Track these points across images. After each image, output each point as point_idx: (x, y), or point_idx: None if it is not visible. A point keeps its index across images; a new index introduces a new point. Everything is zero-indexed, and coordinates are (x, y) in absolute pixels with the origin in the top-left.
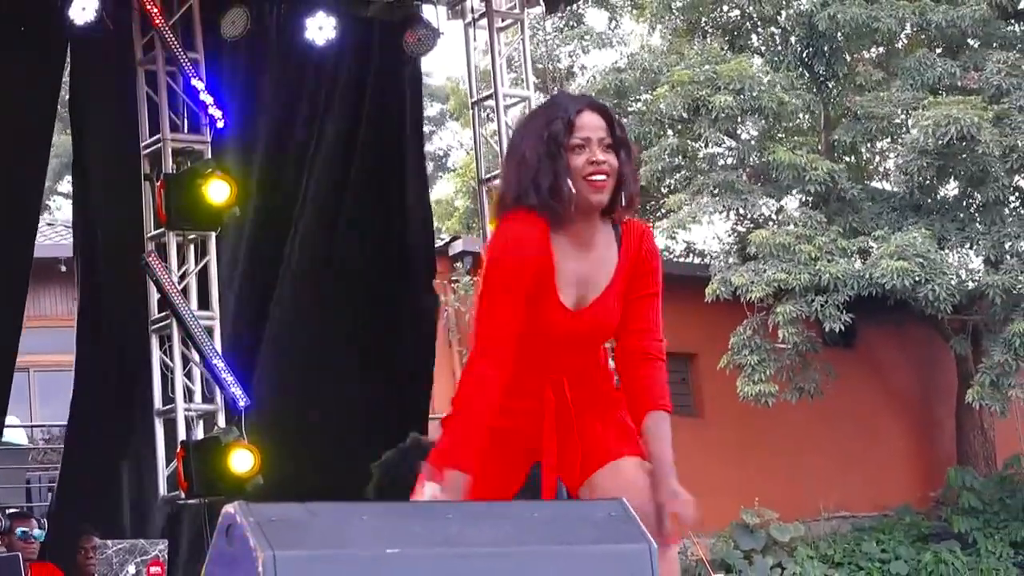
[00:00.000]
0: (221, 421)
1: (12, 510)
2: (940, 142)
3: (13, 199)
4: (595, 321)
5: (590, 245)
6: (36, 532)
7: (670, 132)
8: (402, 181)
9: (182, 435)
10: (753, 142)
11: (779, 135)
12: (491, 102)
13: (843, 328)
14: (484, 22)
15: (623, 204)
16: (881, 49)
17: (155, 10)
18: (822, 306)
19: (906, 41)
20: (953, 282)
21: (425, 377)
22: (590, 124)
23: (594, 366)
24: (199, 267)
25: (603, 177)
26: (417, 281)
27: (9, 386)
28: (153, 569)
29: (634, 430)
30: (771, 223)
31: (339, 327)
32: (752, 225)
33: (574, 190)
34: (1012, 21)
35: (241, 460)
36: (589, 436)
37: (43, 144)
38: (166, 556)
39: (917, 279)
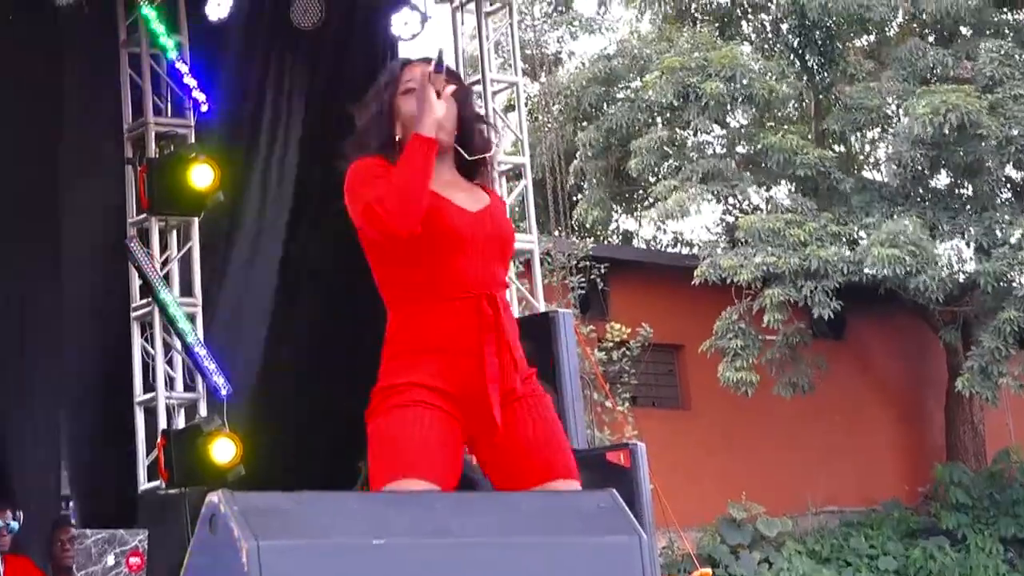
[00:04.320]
0: (203, 410)
1: None
2: (937, 131)
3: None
4: (495, 221)
5: (454, 180)
6: (12, 524)
7: (659, 121)
8: None
9: (163, 424)
10: (743, 130)
11: (769, 123)
12: (479, 87)
13: (832, 316)
14: (472, 6)
15: (463, 145)
16: (872, 38)
17: None
18: (811, 292)
19: (898, 29)
20: (944, 273)
21: None
22: (419, 70)
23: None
24: (182, 253)
25: None
26: None
27: None
28: (132, 559)
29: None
30: (760, 212)
31: (327, 315)
32: (741, 214)
33: (406, 132)
34: (1006, 9)
35: (223, 449)
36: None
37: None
38: (146, 546)
39: (908, 268)
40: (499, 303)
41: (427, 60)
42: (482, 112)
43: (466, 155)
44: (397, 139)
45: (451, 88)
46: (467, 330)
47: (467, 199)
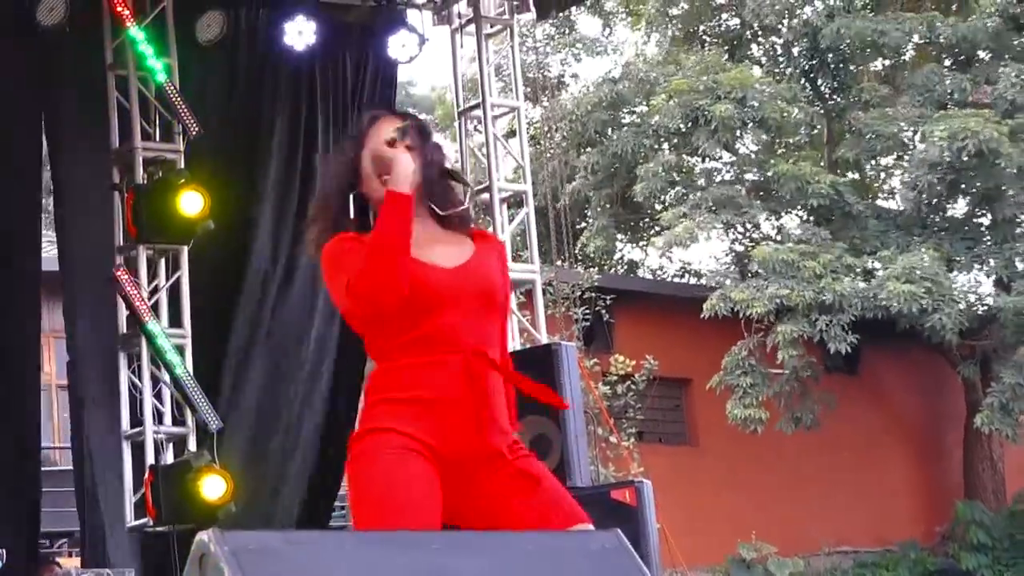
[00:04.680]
0: (192, 445)
1: None
2: (955, 156)
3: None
4: (479, 272)
5: (428, 235)
6: None
7: (666, 146)
8: None
9: (151, 459)
10: (753, 156)
11: (780, 150)
12: (478, 112)
13: (847, 352)
14: (472, 28)
15: (435, 201)
16: (887, 62)
17: (127, 12)
18: (827, 326)
19: (914, 54)
20: (962, 307)
21: None
22: (385, 127)
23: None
24: (170, 282)
25: None
26: None
27: (38, 403)
28: None
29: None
30: (771, 241)
31: (320, 348)
32: (751, 244)
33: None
34: None
35: (213, 486)
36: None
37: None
38: None
39: (924, 306)
40: (487, 361)
41: (399, 114)
42: (449, 164)
43: (439, 211)
44: (361, 192)
45: (414, 143)
46: (454, 386)
47: (446, 254)
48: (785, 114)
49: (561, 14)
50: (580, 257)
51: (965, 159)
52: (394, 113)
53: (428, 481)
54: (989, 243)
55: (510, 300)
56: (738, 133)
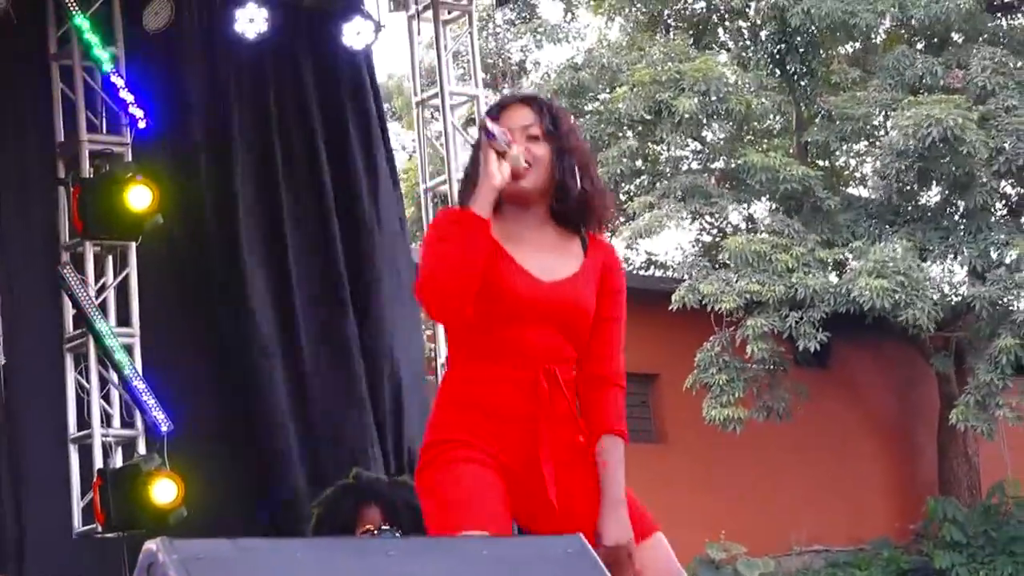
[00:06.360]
0: (142, 448)
1: None
2: (920, 144)
3: None
4: (575, 292)
5: (537, 238)
6: None
7: (629, 133)
8: (350, 183)
9: (99, 463)
10: (720, 144)
11: (748, 137)
12: (436, 101)
13: (818, 347)
14: (429, 14)
15: (557, 198)
16: (858, 45)
17: (72, 0)
18: (797, 322)
19: (885, 36)
20: (935, 298)
21: (375, 401)
22: (513, 116)
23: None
24: (118, 280)
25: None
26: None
27: None
28: None
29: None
30: (740, 231)
31: (275, 345)
32: (720, 234)
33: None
34: (999, 14)
35: (163, 490)
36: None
37: None
38: None
39: (897, 300)
40: (559, 378)
41: (524, 98)
42: (588, 166)
43: (555, 205)
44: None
45: (541, 133)
46: (520, 402)
47: (547, 264)
48: (751, 105)
49: None
50: None
51: (930, 147)
52: (522, 100)
53: (494, 486)
54: (963, 232)
55: (622, 307)
56: (704, 123)
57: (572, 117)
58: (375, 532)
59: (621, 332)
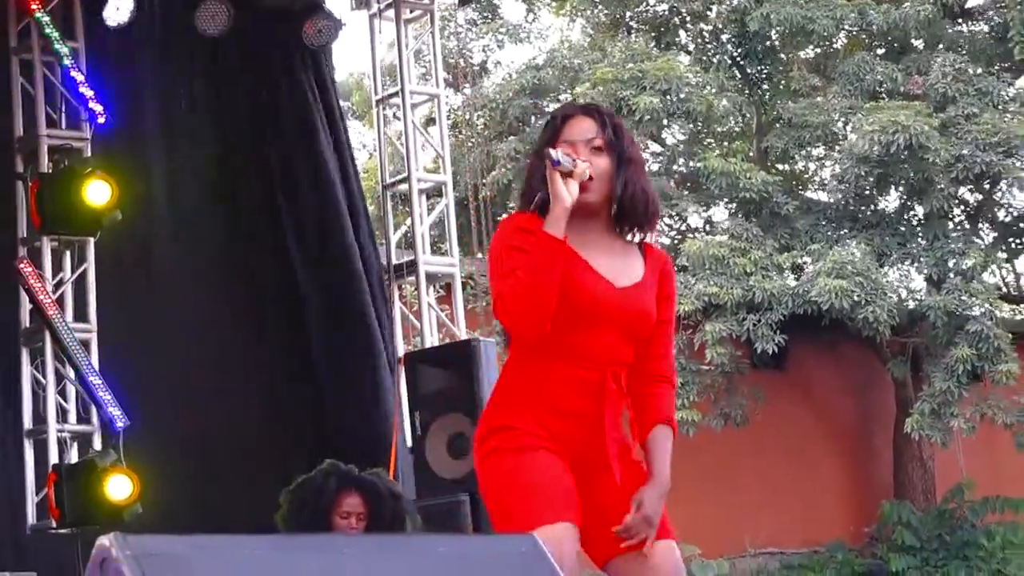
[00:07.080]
0: (97, 443)
1: None
2: (883, 150)
3: None
4: (641, 299)
5: (605, 244)
6: None
7: None
8: (317, 179)
9: (54, 458)
10: (681, 147)
11: (708, 140)
12: (397, 100)
13: (775, 350)
14: (391, 13)
15: (620, 206)
16: (818, 50)
17: None
18: (754, 325)
19: (845, 42)
20: (893, 301)
21: (352, 392)
22: (576, 128)
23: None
24: (76, 275)
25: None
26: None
27: None
28: None
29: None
30: (700, 234)
31: (235, 339)
32: (678, 236)
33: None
34: (960, 21)
35: (119, 486)
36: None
37: None
38: None
39: (856, 299)
40: (618, 383)
41: (587, 109)
42: (644, 175)
43: (614, 215)
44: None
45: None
46: (588, 401)
47: (618, 269)
48: (712, 106)
49: None
50: None
51: (892, 152)
52: (584, 111)
53: (560, 466)
54: (920, 240)
55: (674, 311)
56: (664, 123)
57: (626, 125)
58: (355, 519)
59: (673, 333)
